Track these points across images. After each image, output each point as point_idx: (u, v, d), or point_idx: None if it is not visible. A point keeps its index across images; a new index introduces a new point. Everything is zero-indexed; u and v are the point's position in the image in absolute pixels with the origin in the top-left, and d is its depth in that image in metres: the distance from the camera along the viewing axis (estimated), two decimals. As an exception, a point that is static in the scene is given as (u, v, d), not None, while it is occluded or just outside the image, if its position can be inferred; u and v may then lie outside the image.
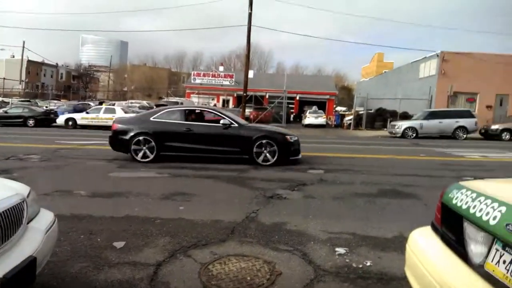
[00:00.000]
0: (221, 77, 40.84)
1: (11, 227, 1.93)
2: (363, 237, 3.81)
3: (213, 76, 41.20)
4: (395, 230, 4.01)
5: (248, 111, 27.23)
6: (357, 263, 3.16)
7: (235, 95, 39.31)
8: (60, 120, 21.25)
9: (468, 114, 20.42)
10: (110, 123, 20.11)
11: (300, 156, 9.02)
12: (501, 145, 16.31)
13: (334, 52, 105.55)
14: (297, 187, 6.15)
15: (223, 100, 40.10)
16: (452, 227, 1.98)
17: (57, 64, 69.47)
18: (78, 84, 73.37)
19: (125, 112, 20.81)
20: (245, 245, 3.51)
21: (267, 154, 8.47)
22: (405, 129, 19.55)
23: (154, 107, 31.43)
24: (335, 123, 30.93)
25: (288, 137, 8.74)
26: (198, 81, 40.45)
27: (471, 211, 1.84)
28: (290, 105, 37.62)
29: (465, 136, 19.60)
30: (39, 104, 33.04)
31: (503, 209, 1.67)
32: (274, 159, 8.45)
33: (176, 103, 28.84)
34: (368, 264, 3.16)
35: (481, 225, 1.74)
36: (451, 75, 25.03)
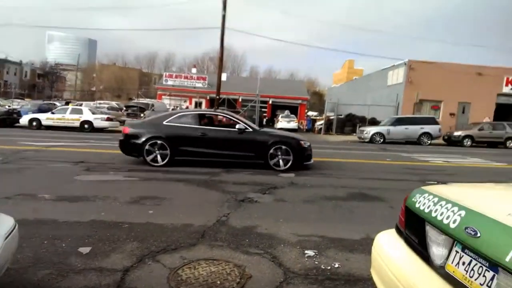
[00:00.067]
0: (194, 79, 40.50)
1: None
2: (332, 239, 3.89)
3: (186, 78, 40.78)
4: (363, 232, 4.12)
5: (221, 114, 27.14)
6: (326, 265, 3.22)
7: (208, 98, 39.08)
8: (24, 120, 20.26)
9: (432, 121, 21.34)
10: (76, 124, 19.67)
11: (312, 161, 9.06)
12: (463, 151, 17.14)
13: (307, 57, 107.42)
14: (268, 191, 6.20)
15: (196, 103, 39.76)
16: (415, 230, 2.06)
17: (21, 61, 66.43)
18: (44, 83, 70.44)
19: (93, 113, 20.17)
20: (215, 249, 3.49)
21: (281, 159, 8.52)
22: (373, 134, 20.15)
23: (124, 108, 30.73)
24: (306, 127, 31.41)
25: (302, 142, 8.78)
26: (170, 82, 39.90)
27: (433, 214, 1.93)
28: (263, 109, 37.87)
29: (429, 142, 20.45)
30: (1, 103, 31.40)
31: (463, 213, 1.76)
32: (289, 164, 8.50)
33: (147, 104, 28.35)
34: (336, 265, 3.23)
35: (442, 228, 1.82)
36: (417, 83, 26.06)
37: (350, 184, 7.19)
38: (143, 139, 8.38)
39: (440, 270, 1.77)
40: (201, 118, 8.96)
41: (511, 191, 2.28)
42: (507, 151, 19.04)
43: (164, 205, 5.09)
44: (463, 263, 1.65)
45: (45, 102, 33.13)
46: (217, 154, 8.55)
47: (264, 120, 36.53)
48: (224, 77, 27.45)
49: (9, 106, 28.03)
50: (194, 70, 45.93)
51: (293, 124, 29.16)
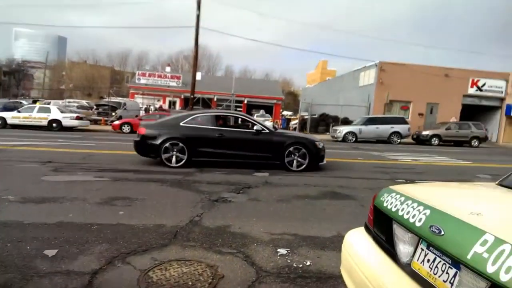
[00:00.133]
0: (168, 78, 39.86)
1: None
2: (304, 238, 3.93)
3: (159, 76, 40.07)
4: (334, 230, 4.20)
5: (195, 113, 26.85)
6: (298, 263, 3.25)
7: (182, 97, 38.58)
8: (-13, 119, 19.32)
9: (402, 121, 22.04)
10: (44, 123, 18.93)
11: (325, 162, 9.17)
12: (431, 149, 17.79)
13: (281, 57, 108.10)
14: (242, 190, 6.19)
15: (170, 102, 39.15)
16: (383, 229, 2.11)
17: (-16, 58, 63.12)
18: (10, 80, 67.19)
19: (62, 112, 19.49)
20: (187, 249, 3.45)
21: (297, 160, 8.64)
22: (346, 133, 20.58)
23: (94, 107, 29.87)
24: (281, 127, 31.63)
25: (317, 143, 8.91)
26: (143, 81, 39.09)
27: (400, 213, 1.98)
28: (238, 109, 37.82)
29: (399, 141, 21.11)
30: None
31: (428, 212, 1.82)
32: (305, 165, 8.62)
33: (119, 103, 27.66)
34: (308, 263, 3.26)
35: (408, 227, 1.88)
36: (388, 84, 26.81)
37: (322, 182, 7.30)
38: (161, 140, 8.33)
39: (406, 268, 1.82)
40: (218, 119, 8.98)
41: (474, 190, 2.39)
42: (472, 149, 19.94)
43: (135, 205, 4.98)
44: (428, 261, 1.71)
45: (11, 100, 31.67)
46: (234, 155, 8.60)
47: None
48: (198, 76, 27.19)
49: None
50: (168, 69, 45.17)
51: (268, 124, 29.29)
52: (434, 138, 21.59)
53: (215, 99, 36.98)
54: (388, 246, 2.02)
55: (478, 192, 2.31)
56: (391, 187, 2.29)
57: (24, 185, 5.98)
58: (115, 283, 2.75)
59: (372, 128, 20.97)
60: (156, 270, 2.97)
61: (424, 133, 22.24)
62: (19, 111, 19.59)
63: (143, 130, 8.63)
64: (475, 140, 22.09)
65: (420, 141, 21.89)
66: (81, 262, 3.08)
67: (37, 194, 5.34)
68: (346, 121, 25.76)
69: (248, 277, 2.94)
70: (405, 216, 1.92)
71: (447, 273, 1.57)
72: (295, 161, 8.64)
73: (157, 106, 35.00)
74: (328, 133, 24.48)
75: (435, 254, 1.67)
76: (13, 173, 7.02)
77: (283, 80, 74.60)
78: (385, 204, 2.15)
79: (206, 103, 29.37)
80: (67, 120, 19.09)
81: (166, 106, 37.37)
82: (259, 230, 4.10)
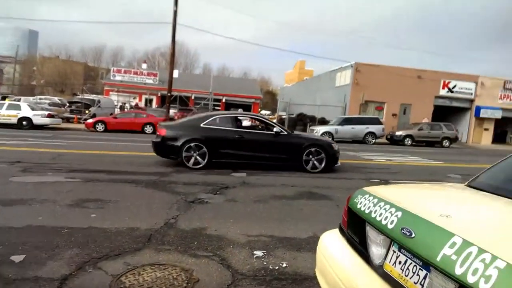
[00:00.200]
0: (144, 75, 39.18)
1: None
2: (281, 239, 3.94)
3: (135, 73, 39.33)
4: (310, 231, 4.23)
5: (172, 111, 26.53)
6: (274, 265, 3.26)
7: (159, 95, 38.01)
8: (-49, 116, 18.36)
9: (376, 121, 22.54)
10: (14, 120, 18.18)
11: (339, 164, 9.30)
12: (404, 149, 18.28)
13: (260, 56, 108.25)
14: (219, 191, 6.15)
15: (146, 99, 38.49)
16: (356, 230, 2.14)
17: None
18: (-24, 75, 64.21)
19: (32, 109, 18.78)
20: (162, 253, 3.39)
21: (315, 162, 8.74)
22: (322, 133, 20.83)
23: (67, 104, 28.94)
24: (259, 126, 31.68)
25: (333, 145, 9.06)
26: (118, 78, 38.26)
27: (373, 215, 2.01)
28: (217, 107, 37.61)
29: (373, 141, 21.58)
30: None
31: (399, 214, 1.85)
32: (322, 166, 8.74)
33: (93, 100, 26.94)
34: (284, 265, 3.27)
35: (380, 229, 1.90)
36: (363, 84, 27.32)
37: (299, 182, 7.36)
38: (182, 141, 8.31)
39: (379, 270, 1.85)
40: (236, 121, 9.03)
41: (444, 192, 2.45)
42: (443, 150, 20.63)
43: (108, 208, 4.85)
44: (400, 262, 1.74)
45: (-23, 96, 30.27)
46: (254, 156, 8.66)
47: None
48: (176, 73, 26.90)
49: None
50: (144, 66, 44.37)
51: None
52: (407, 139, 22.20)
53: (192, 97, 36.64)
54: (361, 248, 2.05)
55: (448, 194, 2.37)
56: (364, 188, 2.32)
57: (-10, 186, 5.72)
58: (86, 289, 2.67)
59: (348, 128, 21.34)
60: (128, 275, 2.89)
61: (398, 133, 22.82)
62: (-14, 109, 18.74)
63: (163, 131, 8.52)
64: (446, 140, 22.85)
65: (394, 141, 22.46)
66: (50, 267, 2.97)
67: (4, 196, 5.12)
68: (323, 121, 26.07)
69: (223, 280, 2.92)
70: (378, 218, 1.95)
71: (418, 275, 1.60)
72: (312, 163, 8.77)
73: (133, 104, 34.34)
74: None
75: (406, 256, 1.70)
76: (-22, 174, 6.70)
77: (261, 79, 74.88)
78: (358, 206, 2.18)
79: (184, 102, 29.01)
80: (38, 118, 18.42)
81: (142, 104, 36.74)
82: (236, 231, 4.08)
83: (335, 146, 9.10)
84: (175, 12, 22.15)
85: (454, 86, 29.16)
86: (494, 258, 1.29)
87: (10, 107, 18.66)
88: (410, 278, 1.62)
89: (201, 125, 8.60)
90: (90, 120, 20.16)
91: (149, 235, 3.81)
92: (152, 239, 3.72)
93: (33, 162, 8.12)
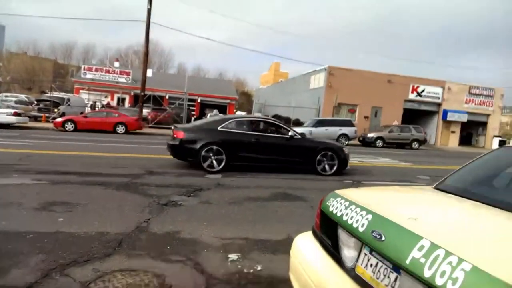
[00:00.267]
0: (117, 74, 38.24)
1: None
2: (256, 241, 3.94)
3: (107, 72, 38.31)
4: (285, 232, 4.24)
5: (146, 111, 26.02)
6: (249, 268, 3.24)
7: (132, 94, 37.19)
8: None
9: (349, 123, 23.03)
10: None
11: (348, 167, 9.52)
12: (375, 151, 18.74)
13: (236, 57, 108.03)
14: (193, 193, 6.07)
15: (118, 98, 37.56)
16: (329, 233, 2.16)
17: None
18: None
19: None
20: (133, 258, 3.30)
21: (327, 165, 8.99)
22: (298, 135, 21.05)
23: (35, 102, 27.76)
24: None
25: (344, 149, 9.38)
26: (89, 76, 37.15)
27: (344, 218, 2.03)
28: (191, 107, 37.22)
29: (346, 142, 22.01)
30: None
31: (370, 217, 1.89)
32: (334, 169, 8.98)
33: (62, 99, 26.00)
34: (259, 268, 3.26)
35: (352, 232, 1.93)
36: (336, 87, 27.85)
37: (274, 184, 7.39)
38: (200, 144, 8.35)
39: (351, 272, 1.87)
40: (252, 124, 9.23)
41: (413, 194, 2.52)
42: (413, 151, 21.32)
43: (77, 211, 4.67)
44: (371, 265, 1.77)
45: None
46: (269, 159, 8.85)
47: (192, 119, 35.93)
48: (149, 73, 26.38)
49: None
50: (116, 64, 43.26)
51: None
52: (379, 141, 22.80)
53: (167, 97, 36.06)
54: (333, 250, 2.07)
55: (416, 197, 2.44)
56: (336, 191, 2.35)
57: None
58: (52, 297, 2.56)
59: (321, 130, 21.67)
60: (98, 282, 2.80)
61: (369, 135, 23.40)
62: None
63: (181, 134, 8.51)
64: (415, 142, 23.64)
65: (366, 143, 23.01)
66: (15, 275, 2.83)
67: (-37, 200, 4.84)
68: (298, 123, 26.35)
69: (197, 285, 2.88)
70: (349, 221, 1.98)
71: (388, 277, 1.64)
72: (324, 166, 9.00)
73: (104, 102, 33.42)
74: (280, 134, 24.90)
75: (377, 258, 1.74)
76: None
77: (237, 80, 74.65)
78: (330, 209, 2.20)
79: (158, 101, 28.50)
80: (3, 116, 17.57)
81: (114, 103, 35.82)
82: (210, 235, 4.04)
83: (346, 149, 9.40)
84: (149, 11, 21.81)
85: (423, 91, 30.25)
86: (460, 260, 1.34)
87: (-28, 105, 17.73)
88: (381, 281, 1.65)
89: (218, 128, 8.70)
90: (59, 119, 19.42)
91: (120, 240, 3.71)
92: (123, 244, 3.61)
93: (-4, 163, 7.74)
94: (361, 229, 1.86)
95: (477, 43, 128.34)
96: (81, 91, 36.04)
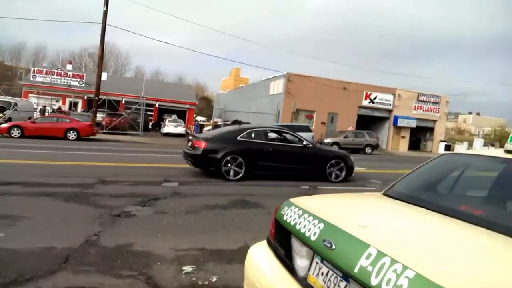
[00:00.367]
0: (69, 77, 36.41)
1: None
2: (211, 252, 3.87)
3: (59, 75, 36.38)
4: (242, 241, 4.20)
5: (100, 116, 24.97)
6: (203, 280, 3.17)
7: (85, 98, 35.55)
8: None
9: (307, 129, 23.54)
10: None
11: (353, 174, 10.00)
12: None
13: (195, 62, 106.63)
14: (148, 202, 5.86)
15: (70, 103, 35.76)
16: (283, 243, 2.16)
17: None
18: None
19: None
20: (80, 274, 3.11)
21: (336, 172, 9.49)
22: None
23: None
24: (194, 132, 31.23)
25: (351, 157, 9.96)
26: (39, 79, 35.07)
27: (297, 227, 2.04)
28: (149, 112, 36.26)
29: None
30: None
31: (322, 225, 1.91)
32: (342, 176, 9.51)
33: (9, 103, 24.28)
34: (214, 279, 3.20)
35: (304, 241, 1.94)
36: (294, 94, 28.43)
37: (232, 191, 7.34)
38: (221, 154, 8.60)
39: (303, 281, 1.88)
40: (269, 134, 9.69)
41: (362, 202, 2.59)
42: (366, 156, 22.19)
43: (20, 225, 4.34)
44: (322, 274, 1.78)
45: None
46: (284, 167, 9.16)
47: (150, 124, 34.99)
48: (104, 76, 25.39)
49: None
50: (69, 67, 41.22)
51: (181, 129, 28.72)
52: (334, 145, 23.49)
53: (123, 102, 34.88)
54: (287, 260, 2.07)
55: (365, 204, 2.51)
56: (291, 200, 2.36)
57: None
58: (-14, 323, 2.34)
59: (281, 135, 21.97)
60: (40, 302, 2.61)
61: (326, 140, 24.08)
62: None
63: (203, 144, 8.73)
64: (368, 147, 24.64)
65: (325, 148, 23.63)
66: None
67: None
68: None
69: (149, 300, 2.77)
70: (302, 230, 1.99)
71: (338, 286, 1.66)
72: (334, 173, 9.48)
73: (55, 107, 31.67)
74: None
75: (328, 267, 1.76)
76: None
77: (196, 84, 73.76)
78: (285, 218, 2.21)
79: (113, 106, 27.46)
80: None
81: (66, 108, 34.07)
82: (165, 246, 3.91)
83: (352, 158, 10.00)
84: (105, 13, 21.06)
85: (375, 98, 31.69)
86: (404, 268, 1.38)
87: None
88: (331, 290, 1.68)
89: (238, 138, 9.01)
90: (5, 125, 18.07)
91: (67, 255, 3.48)
92: (70, 260, 3.40)
93: None
94: (313, 238, 1.88)
95: (427, 53, 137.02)
96: (30, 95, 33.86)
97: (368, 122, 32.65)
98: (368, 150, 24.53)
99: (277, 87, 30.82)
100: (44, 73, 36.10)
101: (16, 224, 4.37)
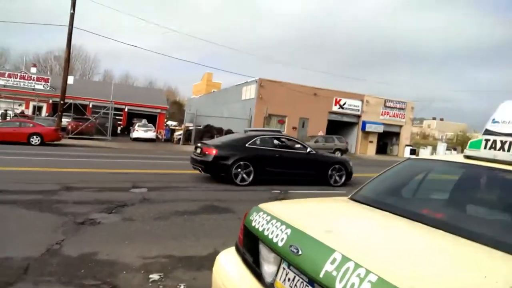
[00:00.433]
0: (33, 80, 34.86)
1: None
2: (180, 258, 3.79)
3: (22, 78, 34.73)
4: (211, 247, 4.15)
5: (65, 120, 24.04)
6: (171, 288, 3.10)
7: (50, 102, 34.16)
8: None
9: (279, 134, 23.72)
10: None
11: (352, 179, 10.43)
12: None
13: (167, 66, 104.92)
14: (115, 209, 5.69)
15: (34, 107, 34.20)
16: (251, 249, 2.14)
17: None
18: None
19: None
20: (41, 285, 2.96)
21: (337, 177, 10.00)
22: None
23: None
24: (165, 137, 30.69)
25: (350, 163, 10.45)
26: (1, 82, 33.37)
27: (265, 233, 2.04)
28: (118, 117, 35.31)
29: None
30: None
31: (289, 231, 1.91)
32: (342, 181, 10.00)
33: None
34: (182, 287, 3.14)
35: (272, 247, 1.94)
36: (266, 99, 28.66)
37: (202, 196, 7.26)
38: (232, 160, 8.89)
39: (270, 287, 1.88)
40: (276, 141, 10.12)
41: (329, 206, 2.62)
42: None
43: (-26, 236, 4.09)
44: (289, 279, 1.79)
45: None
46: (289, 173, 9.54)
47: (119, 129, 34.07)
48: (70, 79, 24.59)
49: None
50: (34, 70, 39.42)
51: (151, 134, 28.11)
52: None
53: (90, 106, 33.75)
54: (254, 266, 2.06)
55: (332, 208, 2.54)
56: (260, 205, 2.35)
57: None
58: None
59: (253, 140, 22.01)
60: (-6, 318, 2.45)
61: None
62: None
63: (214, 151, 8.97)
64: (338, 151, 25.14)
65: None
66: None
67: None
68: (230, 133, 26.47)
69: (113, 311, 2.67)
70: (270, 236, 1.99)
71: (304, 291, 1.67)
72: (335, 178, 9.97)
73: (18, 111, 30.20)
74: (212, 145, 24.75)
75: (294, 273, 1.76)
76: None
77: (168, 89, 72.65)
78: (253, 224, 2.20)
79: (80, 110, 26.52)
80: None
81: (29, 112, 32.56)
82: (131, 254, 3.80)
83: (351, 163, 10.49)
84: (72, 15, 20.39)
85: (344, 103, 32.47)
86: (367, 272, 1.40)
87: None
88: (297, 295, 1.68)
89: (247, 145, 9.32)
90: (-40, 130, 17.05)
91: (26, 266, 3.30)
92: (30, 270, 3.23)
93: None
94: (280, 244, 1.88)
95: (393, 60, 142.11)
96: (-11, 98, 32.14)
97: (338, 127, 33.36)
98: (338, 154, 25.03)
99: (250, 92, 30.93)
100: (6, 76, 34.38)
101: (-30, 234, 4.11)
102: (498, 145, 2.24)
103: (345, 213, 2.38)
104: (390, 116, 34.78)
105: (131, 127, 31.35)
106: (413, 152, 33.28)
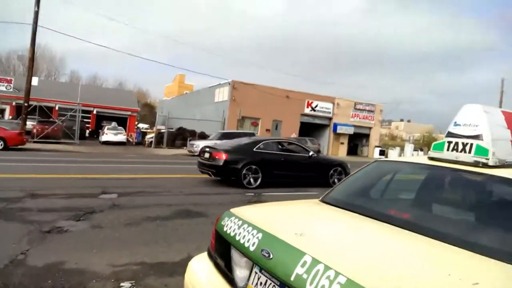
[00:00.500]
0: (-6, 81, 33.22)
1: None
2: (152, 265, 3.73)
3: (-17, 78, 33.05)
4: (185, 252, 4.10)
5: (30, 124, 23.02)
6: (143, 296, 3.05)
7: (13, 104, 32.63)
8: None
9: (252, 136, 23.82)
10: None
11: None
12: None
13: (137, 67, 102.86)
14: (83, 217, 5.50)
15: (-4, 109, 32.59)
16: (223, 254, 2.14)
17: None
18: None
19: None
20: (3, 299, 2.84)
21: (337, 179, 10.30)
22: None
23: None
24: (136, 140, 30.02)
25: (348, 165, 11.03)
26: (-43, 83, 31.57)
27: (237, 238, 2.05)
28: (86, 120, 34.22)
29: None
30: None
31: (260, 235, 1.93)
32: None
33: None
34: (155, 294, 3.09)
35: (243, 251, 1.95)
36: (240, 101, 28.69)
37: (175, 201, 7.17)
38: (241, 164, 9.23)
39: (242, 292, 1.89)
40: (280, 145, 10.51)
41: (300, 209, 2.66)
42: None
43: None
44: (261, 284, 1.80)
45: None
46: (293, 175, 9.94)
47: (87, 132, 33.03)
48: (35, 81, 23.60)
49: None
50: (-6, 70, 37.70)
51: (121, 137, 27.38)
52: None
53: (56, 108, 32.52)
54: (226, 271, 2.06)
55: (303, 211, 2.58)
56: (231, 210, 2.36)
57: None
58: None
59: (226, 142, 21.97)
60: (-49, 335, 2.32)
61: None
62: None
63: (224, 155, 9.26)
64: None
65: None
66: None
67: None
68: (203, 136, 26.25)
69: (82, 322, 2.59)
70: (241, 241, 2.00)
71: (276, 295, 1.69)
72: (334, 180, 10.29)
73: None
74: (185, 148, 24.45)
75: (266, 277, 1.78)
76: None
77: (138, 90, 71.05)
78: (225, 229, 2.20)
79: (45, 113, 25.49)
80: None
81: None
82: (101, 262, 3.69)
83: (349, 165, 11.06)
84: (37, 13, 19.59)
85: (316, 106, 33.06)
86: (337, 274, 1.44)
87: None
88: (269, 299, 1.70)
89: (254, 149, 9.71)
90: None
91: (-13, 279, 3.15)
92: (-9, 283, 3.08)
93: None
94: (251, 248, 1.90)
95: (363, 64, 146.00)
96: None
97: (310, 129, 33.91)
98: (310, 156, 25.42)
99: (222, 94, 30.86)
100: (-36, 76, 32.59)
101: None
102: (460, 147, 2.35)
103: (315, 215, 2.43)
104: (360, 118, 35.72)
105: (100, 130, 30.46)
106: (382, 153, 34.30)
